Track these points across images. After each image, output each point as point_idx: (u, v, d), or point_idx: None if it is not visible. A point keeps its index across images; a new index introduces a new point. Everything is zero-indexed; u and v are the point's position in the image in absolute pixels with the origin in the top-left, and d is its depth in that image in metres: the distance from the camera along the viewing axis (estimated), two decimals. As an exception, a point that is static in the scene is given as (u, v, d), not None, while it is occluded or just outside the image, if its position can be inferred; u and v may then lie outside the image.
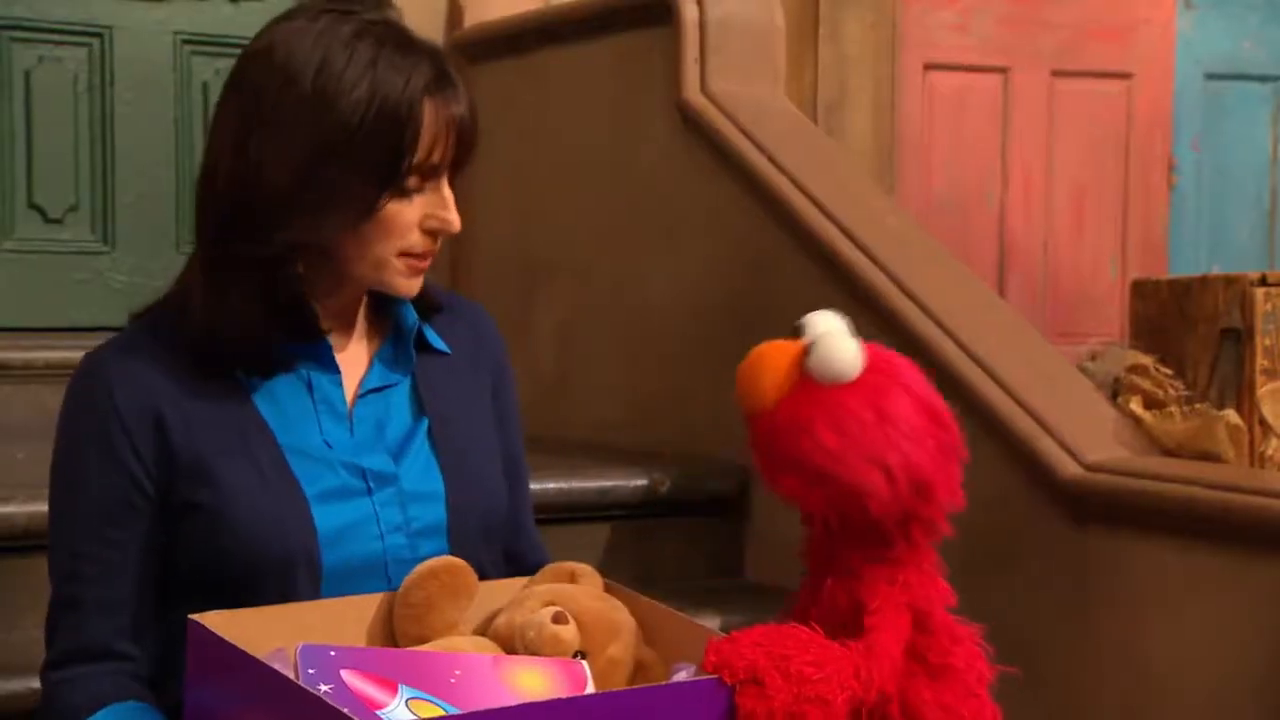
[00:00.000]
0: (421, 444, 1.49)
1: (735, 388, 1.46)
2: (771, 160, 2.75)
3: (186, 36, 3.36)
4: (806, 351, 1.42)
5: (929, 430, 1.45)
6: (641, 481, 2.64)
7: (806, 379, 1.41)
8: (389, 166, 1.37)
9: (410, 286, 1.45)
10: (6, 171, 3.19)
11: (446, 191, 1.42)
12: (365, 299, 1.51)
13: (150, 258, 3.32)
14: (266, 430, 1.42)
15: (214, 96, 3.38)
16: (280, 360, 1.44)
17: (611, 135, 3.07)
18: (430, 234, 1.42)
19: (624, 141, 3.04)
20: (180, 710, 1.32)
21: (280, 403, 1.44)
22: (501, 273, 3.35)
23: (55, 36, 3.23)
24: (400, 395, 1.51)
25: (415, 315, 1.52)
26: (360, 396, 1.48)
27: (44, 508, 2.11)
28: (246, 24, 3.40)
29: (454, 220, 1.42)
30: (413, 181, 1.39)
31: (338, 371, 1.47)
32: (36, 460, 2.59)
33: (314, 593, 1.40)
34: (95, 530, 1.40)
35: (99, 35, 3.27)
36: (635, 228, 3.02)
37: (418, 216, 1.41)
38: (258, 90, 1.39)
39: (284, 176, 1.36)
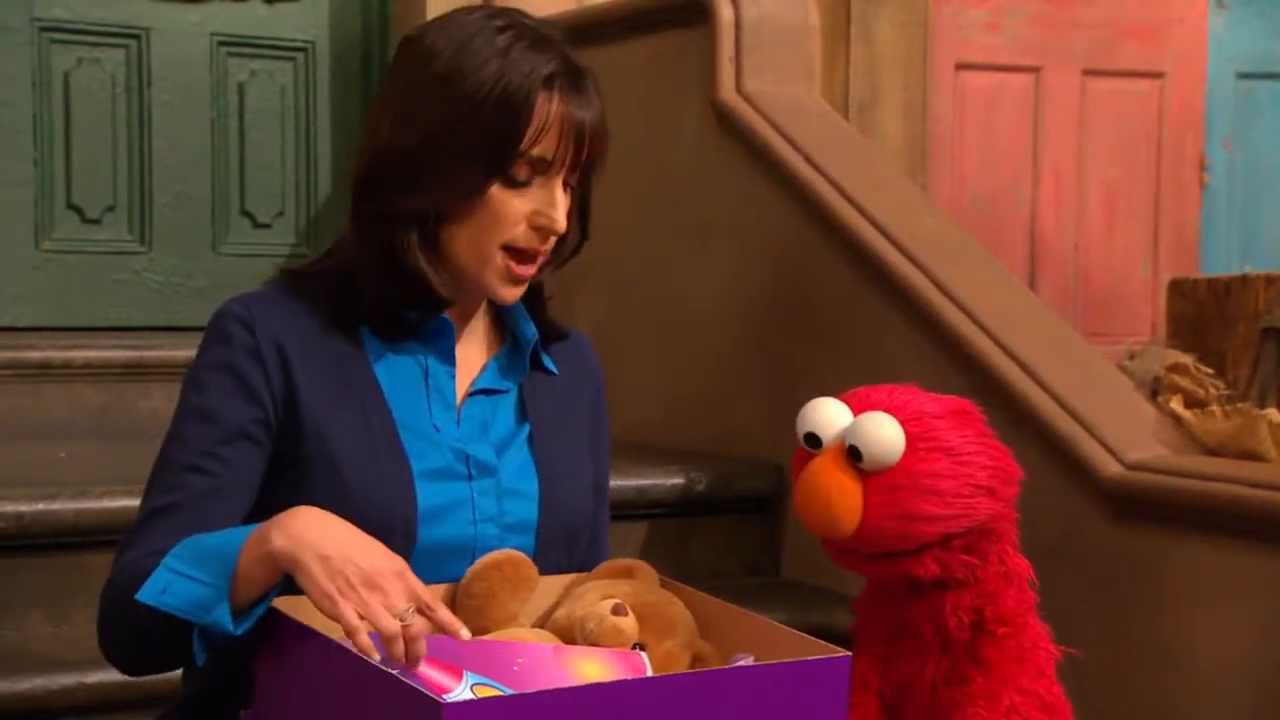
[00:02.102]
0: (521, 447, 1.53)
1: (812, 527, 1.46)
2: (807, 159, 2.75)
3: (223, 38, 3.37)
4: (852, 454, 1.42)
5: (975, 430, 1.47)
6: (678, 481, 2.65)
7: (869, 477, 1.42)
8: (500, 149, 1.41)
9: (508, 293, 1.47)
10: (45, 172, 3.21)
11: (559, 191, 1.45)
12: (490, 312, 1.56)
13: (187, 257, 3.34)
14: (383, 401, 1.46)
15: (249, 97, 3.47)
16: (404, 334, 1.48)
17: (646, 135, 3.07)
18: (537, 231, 1.45)
19: (659, 141, 3.04)
20: (247, 661, 1.34)
21: (398, 381, 1.48)
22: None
23: (93, 38, 3.25)
24: (507, 402, 1.55)
25: (534, 330, 1.56)
26: (470, 395, 1.52)
27: (89, 505, 2.16)
28: (282, 26, 3.43)
29: (559, 220, 1.44)
30: (523, 171, 1.43)
31: (454, 364, 1.51)
32: (79, 458, 2.62)
33: None
34: (212, 449, 1.41)
35: (136, 37, 3.29)
36: (670, 228, 3.02)
37: (526, 210, 1.44)
38: (404, 68, 1.47)
39: (411, 145, 1.43)
